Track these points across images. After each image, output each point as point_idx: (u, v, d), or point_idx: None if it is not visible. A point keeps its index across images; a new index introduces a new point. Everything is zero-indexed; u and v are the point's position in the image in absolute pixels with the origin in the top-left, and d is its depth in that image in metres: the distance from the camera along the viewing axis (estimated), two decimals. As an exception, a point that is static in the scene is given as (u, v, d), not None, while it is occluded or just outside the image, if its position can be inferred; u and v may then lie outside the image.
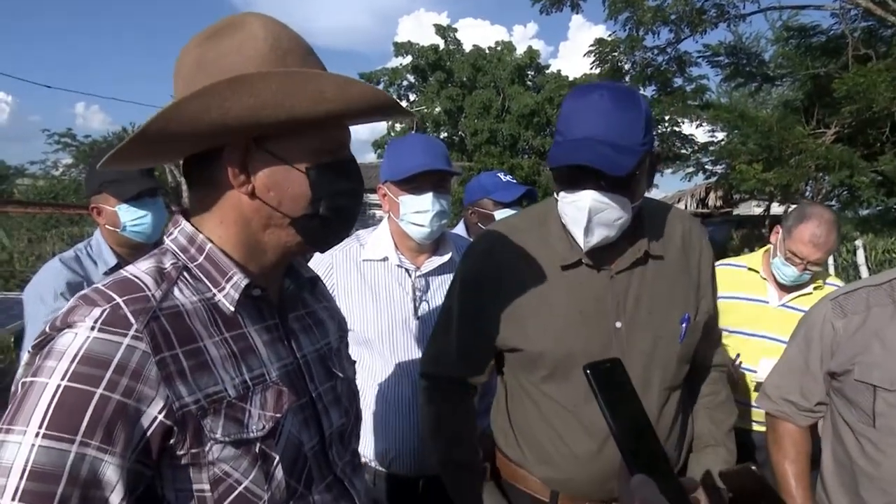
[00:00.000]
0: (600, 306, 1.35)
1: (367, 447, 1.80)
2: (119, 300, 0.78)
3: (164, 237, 0.92)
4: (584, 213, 1.25)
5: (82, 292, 0.80)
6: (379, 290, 1.83)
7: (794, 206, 2.39)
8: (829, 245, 2.24)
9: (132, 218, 1.97)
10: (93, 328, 0.75)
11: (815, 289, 2.40)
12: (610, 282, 1.36)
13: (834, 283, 2.44)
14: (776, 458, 1.69)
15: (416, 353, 1.81)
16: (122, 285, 0.81)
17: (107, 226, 1.99)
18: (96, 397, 0.73)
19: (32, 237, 9.72)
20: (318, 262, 1.87)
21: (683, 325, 1.38)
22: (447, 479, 1.50)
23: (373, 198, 2.05)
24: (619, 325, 1.35)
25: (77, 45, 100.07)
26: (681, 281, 1.40)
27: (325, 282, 1.84)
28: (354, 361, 1.17)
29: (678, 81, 11.03)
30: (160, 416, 0.77)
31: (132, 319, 0.77)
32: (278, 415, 0.88)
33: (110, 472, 0.73)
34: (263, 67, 0.82)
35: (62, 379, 0.73)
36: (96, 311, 0.76)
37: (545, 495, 1.43)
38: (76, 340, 0.75)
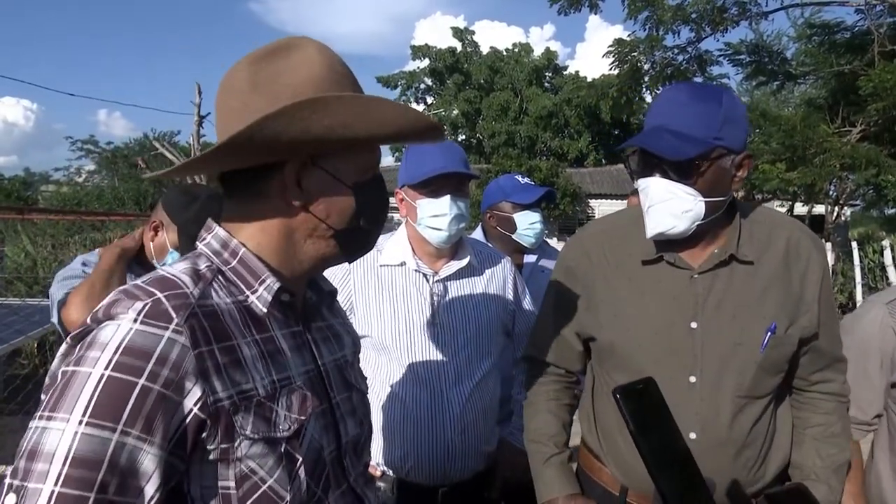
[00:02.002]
0: (677, 305, 1.35)
1: (385, 455, 1.78)
2: (160, 295, 0.81)
3: (197, 242, 0.95)
4: (646, 198, 1.31)
5: (123, 287, 0.83)
6: (396, 295, 1.81)
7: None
8: None
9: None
10: (135, 320, 0.78)
11: None
12: (690, 282, 1.35)
13: None
14: None
15: (435, 359, 1.77)
16: (162, 282, 0.84)
17: (153, 245, 1.87)
18: (138, 387, 0.75)
19: (56, 243, 9.82)
20: (336, 268, 1.85)
21: (768, 334, 1.32)
22: (529, 454, 1.57)
23: (391, 201, 2.03)
24: (694, 325, 1.34)
25: (99, 52, 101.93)
26: (775, 289, 1.35)
27: (342, 287, 1.83)
28: (366, 378, 1.18)
29: (698, 80, 10.89)
30: (195, 409, 0.79)
31: (173, 314, 0.79)
32: (303, 417, 0.90)
33: (148, 461, 0.75)
34: (320, 89, 0.87)
35: (105, 369, 0.75)
36: (139, 305, 0.79)
37: (615, 489, 1.44)
38: (119, 332, 0.77)
